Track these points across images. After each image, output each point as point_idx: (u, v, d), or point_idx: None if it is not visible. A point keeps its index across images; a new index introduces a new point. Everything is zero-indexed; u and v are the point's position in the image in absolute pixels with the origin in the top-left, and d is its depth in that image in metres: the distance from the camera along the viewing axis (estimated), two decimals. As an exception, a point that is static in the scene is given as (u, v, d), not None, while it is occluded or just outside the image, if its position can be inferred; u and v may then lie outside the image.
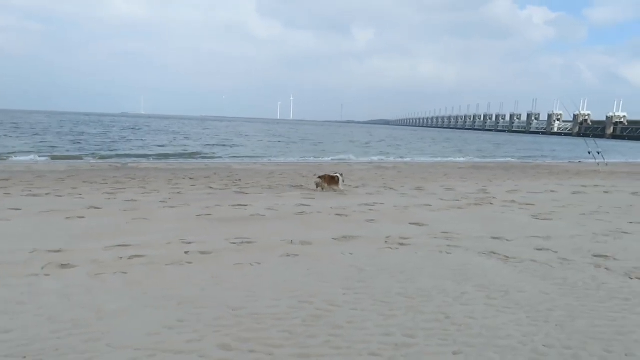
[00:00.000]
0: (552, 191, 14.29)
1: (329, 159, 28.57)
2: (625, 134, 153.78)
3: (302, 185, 14.04)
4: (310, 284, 4.82)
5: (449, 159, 32.87)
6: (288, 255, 5.88)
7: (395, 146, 47.20)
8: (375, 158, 30.37)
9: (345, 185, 12.56)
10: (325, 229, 7.55)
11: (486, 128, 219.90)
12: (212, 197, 11.15)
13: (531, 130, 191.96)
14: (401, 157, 31.81)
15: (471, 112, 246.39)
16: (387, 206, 10.19)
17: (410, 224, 8.26)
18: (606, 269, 5.85)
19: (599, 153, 25.43)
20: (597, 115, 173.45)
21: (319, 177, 12.31)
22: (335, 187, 11.97)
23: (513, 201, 11.64)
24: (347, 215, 8.89)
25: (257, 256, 5.82)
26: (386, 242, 6.78)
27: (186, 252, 5.90)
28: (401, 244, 6.70)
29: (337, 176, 12.16)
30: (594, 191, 14.67)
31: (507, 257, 6.21)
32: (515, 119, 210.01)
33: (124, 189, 12.25)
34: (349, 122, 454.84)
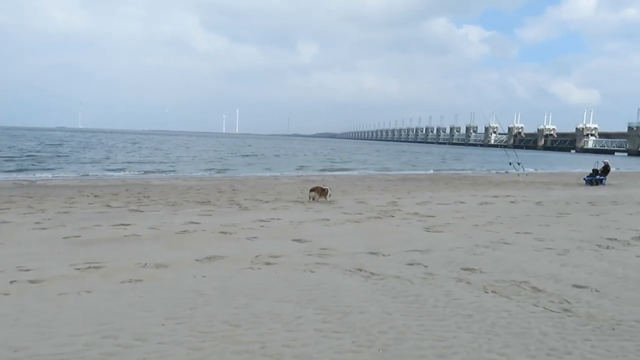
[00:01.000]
0: (461, 202, 14.47)
1: (259, 174, 28.13)
2: (554, 145, 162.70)
3: (209, 201, 13.51)
4: (129, 314, 4.33)
5: (382, 172, 33.18)
6: (130, 281, 5.36)
7: (331, 160, 47.30)
8: (304, 173, 30.12)
9: (331, 197, 13.67)
10: (196, 249, 7.07)
11: (428, 141, 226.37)
12: (100, 216, 10.42)
13: (470, 142, 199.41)
14: (331, 171, 31.79)
15: (414, 125, 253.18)
16: (282, 222, 9.84)
17: (293, 240, 7.92)
18: (467, 282, 5.71)
19: (519, 164, 26.26)
20: (529, 128, 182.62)
21: (312, 190, 13.47)
22: (324, 198, 13.24)
23: (416, 213, 11.61)
24: (231, 233, 8.45)
25: (93, 283, 5.26)
26: (252, 262, 6.39)
27: (12, 282, 5.25)
28: (267, 264, 6.32)
29: (327, 189, 13.47)
30: (502, 201, 14.99)
31: (373, 273, 5.97)
32: (455, 131, 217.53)
33: (9, 209, 11.30)
34: (295, 135, 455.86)
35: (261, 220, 9.87)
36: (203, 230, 8.74)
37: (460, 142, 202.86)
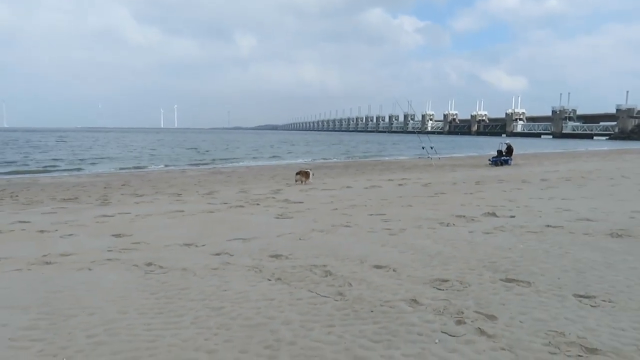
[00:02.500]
0: (348, 187, 14.20)
1: (156, 167, 27.04)
2: (487, 130, 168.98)
3: (77, 198, 12.51)
4: None
5: (299, 160, 32.75)
6: None
7: (260, 151, 46.46)
8: (220, 165, 29.18)
9: (315, 177, 15.62)
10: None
11: (368, 130, 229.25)
12: None
13: (408, 130, 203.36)
14: (241, 162, 31.02)
15: (354, 115, 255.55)
16: (126, 217, 9.09)
17: (112, 235, 7.22)
18: (259, 270, 5.26)
19: (432, 148, 26.56)
20: (463, 114, 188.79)
21: (298, 174, 14.94)
22: (309, 180, 14.72)
23: (286, 200, 11.19)
24: (50, 232, 7.63)
25: None
26: (29, 262, 5.63)
27: None
28: (47, 263, 5.60)
29: (309, 171, 15.11)
30: (392, 185, 14.85)
31: (161, 267, 5.40)
32: (394, 120, 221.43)
33: None
34: (236, 128, 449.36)
35: (105, 216, 9.08)
36: (22, 230, 7.85)
37: (399, 129, 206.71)
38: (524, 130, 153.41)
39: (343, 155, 39.30)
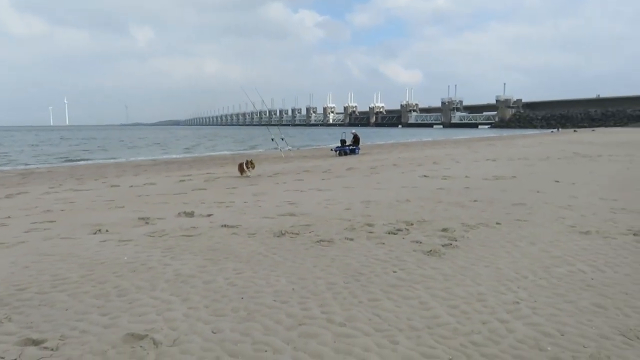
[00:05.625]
0: (152, 184, 12.49)
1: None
2: (384, 121, 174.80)
3: None
4: None
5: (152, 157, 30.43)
6: None
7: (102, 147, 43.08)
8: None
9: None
10: None
11: (272, 123, 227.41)
12: None
13: (311, 122, 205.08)
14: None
15: (257, 109, 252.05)
16: None
17: None
18: None
19: (282, 139, 25.69)
20: (363, 106, 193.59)
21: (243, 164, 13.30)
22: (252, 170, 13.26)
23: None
24: None
25: None
26: None
27: None
28: None
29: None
30: (203, 179, 13.43)
31: None
32: (296, 113, 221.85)
33: None
34: (136, 124, 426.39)
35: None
36: None
37: (302, 122, 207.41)
38: (417, 120, 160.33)
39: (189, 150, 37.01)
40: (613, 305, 3.73)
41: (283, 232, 5.79)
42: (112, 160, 25.48)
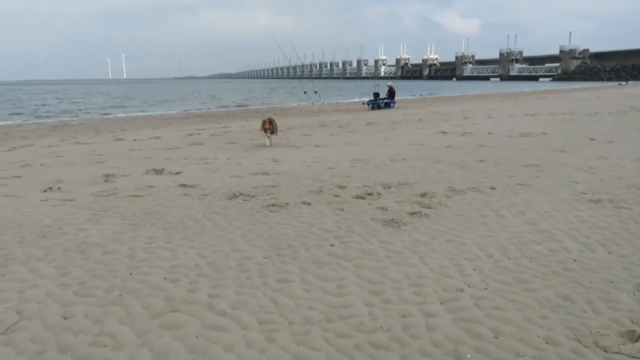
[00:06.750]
0: (157, 137, 12.27)
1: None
2: (438, 74, 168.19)
3: None
4: None
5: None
6: None
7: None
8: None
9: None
10: None
11: (323, 76, 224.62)
12: None
13: (362, 75, 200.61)
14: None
15: (307, 62, 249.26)
16: None
17: None
18: None
19: (315, 92, 24.85)
20: (415, 59, 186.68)
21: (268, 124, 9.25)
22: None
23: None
24: None
25: None
26: None
27: None
28: None
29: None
30: (212, 133, 13.05)
31: None
32: (347, 66, 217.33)
33: None
34: (189, 77, 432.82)
35: None
36: None
37: (352, 75, 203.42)
38: (473, 73, 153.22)
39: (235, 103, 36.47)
40: (585, 297, 2.94)
41: (236, 194, 5.22)
42: (143, 114, 25.57)
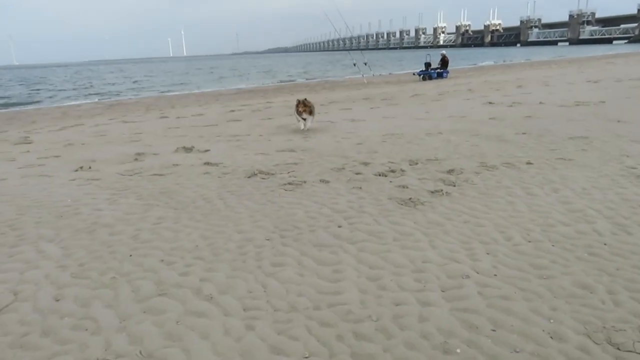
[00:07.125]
0: (200, 114, 12.50)
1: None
2: (501, 40, 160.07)
3: None
4: None
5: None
6: None
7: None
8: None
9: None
10: None
11: (379, 47, 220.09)
12: None
13: (420, 45, 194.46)
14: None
15: (364, 32, 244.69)
16: None
17: None
18: None
19: (365, 64, 24.31)
20: (476, 25, 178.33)
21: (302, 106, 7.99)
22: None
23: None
24: None
25: None
26: None
27: None
28: None
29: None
30: (254, 109, 13.11)
31: None
32: (404, 35, 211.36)
33: None
34: (245, 53, 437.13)
35: None
36: None
37: (410, 45, 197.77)
38: (539, 38, 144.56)
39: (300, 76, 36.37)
40: (607, 287, 2.64)
41: (256, 172, 5.15)
42: (196, 91, 26.06)
